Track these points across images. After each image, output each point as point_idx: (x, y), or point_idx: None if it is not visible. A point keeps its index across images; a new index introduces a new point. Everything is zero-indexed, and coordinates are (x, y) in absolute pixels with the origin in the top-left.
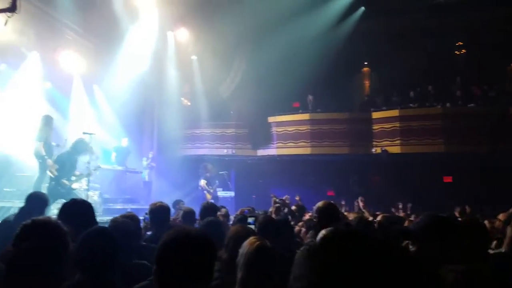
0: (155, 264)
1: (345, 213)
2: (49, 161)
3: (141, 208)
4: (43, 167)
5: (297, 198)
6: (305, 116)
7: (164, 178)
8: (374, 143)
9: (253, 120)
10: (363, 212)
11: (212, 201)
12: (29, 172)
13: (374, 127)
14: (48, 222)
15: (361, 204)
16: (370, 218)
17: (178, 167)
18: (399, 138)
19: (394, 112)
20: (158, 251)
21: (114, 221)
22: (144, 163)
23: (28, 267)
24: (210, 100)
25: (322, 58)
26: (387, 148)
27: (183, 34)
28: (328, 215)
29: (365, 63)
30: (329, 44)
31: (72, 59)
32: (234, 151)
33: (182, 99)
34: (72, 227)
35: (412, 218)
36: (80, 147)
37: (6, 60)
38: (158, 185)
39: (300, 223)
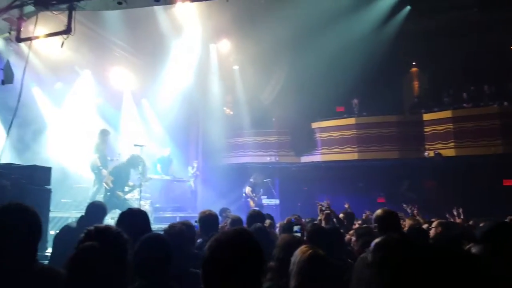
0: (201, 269)
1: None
2: (104, 171)
3: (189, 216)
4: (99, 178)
5: (346, 206)
6: (351, 121)
7: (209, 187)
8: (426, 146)
9: (295, 126)
10: (417, 219)
11: (257, 208)
12: (85, 184)
13: (426, 130)
14: (109, 229)
15: (414, 210)
16: (425, 226)
17: (222, 175)
18: (453, 140)
19: (447, 113)
20: (204, 257)
21: (171, 227)
22: (190, 171)
23: (90, 269)
24: (252, 108)
25: (367, 60)
26: (440, 151)
27: (225, 45)
28: (388, 223)
29: (413, 63)
30: (374, 46)
31: (121, 75)
32: (277, 159)
33: (225, 108)
34: (130, 235)
35: (471, 223)
36: (134, 161)
37: (62, 78)
38: (203, 194)
39: (351, 232)
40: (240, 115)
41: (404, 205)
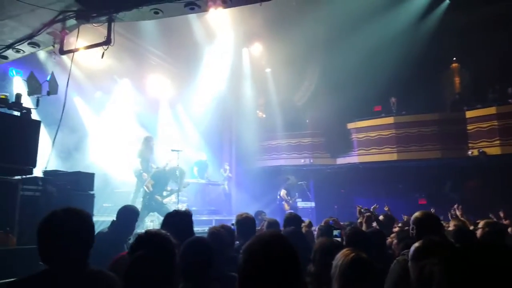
0: (237, 274)
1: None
2: (145, 175)
3: (225, 219)
4: (140, 182)
5: (386, 209)
6: (389, 120)
7: (243, 190)
8: (470, 144)
9: (330, 127)
10: (462, 220)
11: (292, 211)
12: (125, 188)
13: (469, 128)
14: (160, 235)
15: (458, 212)
16: (471, 227)
17: (256, 178)
18: (498, 138)
19: (491, 110)
20: (239, 261)
21: (213, 230)
22: (223, 174)
23: (145, 275)
24: (285, 111)
25: (404, 57)
26: (484, 149)
27: (257, 49)
28: (427, 226)
29: (454, 58)
30: (411, 42)
31: (158, 82)
32: (311, 161)
33: (258, 111)
34: (174, 236)
35: None
36: (173, 174)
37: (102, 87)
38: (237, 197)
39: (392, 235)
40: (273, 117)
41: (453, 207)
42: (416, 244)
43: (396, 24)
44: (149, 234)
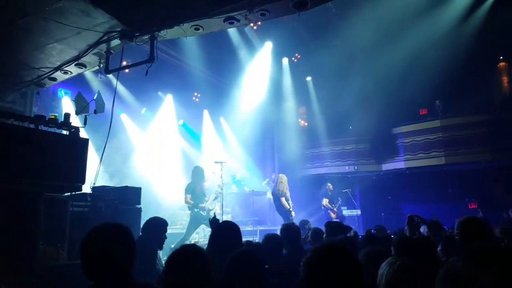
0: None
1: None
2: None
3: (269, 229)
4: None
5: (432, 216)
6: (435, 123)
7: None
8: None
9: (374, 133)
10: None
11: (336, 219)
12: (171, 202)
13: None
14: (194, 249)
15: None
16: None
17: (300, 187)
18: None
19: None
20: (301, 275)
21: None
22: (263, 183)
23: None
24: (327, 118)
25: (449, 58)
26: None
27: (297, 57)
28: (471, 231)
29: (501, 57)
30: (456, 42)
31: (200, 96)
32: (356, 168)
33: (300, 120)
34: (222, 247)
35: None
36: (195, 173)
37: (147, 104)
38: None
39: None
40: (315, 125)
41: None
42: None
43: (440, 25)
44: (185, 250)
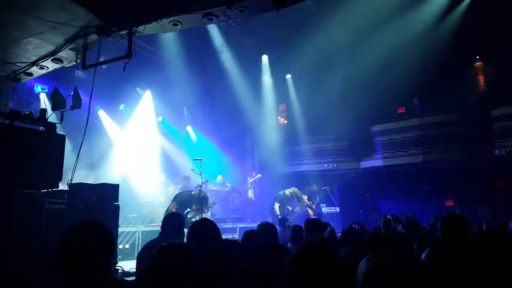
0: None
1: None
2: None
3: (249, 227)
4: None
5: (409, 213)
6: (413, 122)
7: (267, 197)
8: (497, 144)
9: (353, 131)
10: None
11: (315, 217)
12: (150, 199)
13: (495, 126)
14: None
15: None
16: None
17: (279, 185)
18: None
19: None
20: (286, 274)
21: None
22: (250, 180)
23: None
24: (307, 116)
25: (426, 57)
26: None
27: (276, 55)
28: (451, 227)
29: (477, 57)
30: (433, 42)
31: (179, 93)
32: (335, 165)
33: (279, 117)
34: (201, 243)
35: None
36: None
37: (125, 100)
38: (261, 204)
39: None
40: (294, 123)
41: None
42: None
43: (417, 25)
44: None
